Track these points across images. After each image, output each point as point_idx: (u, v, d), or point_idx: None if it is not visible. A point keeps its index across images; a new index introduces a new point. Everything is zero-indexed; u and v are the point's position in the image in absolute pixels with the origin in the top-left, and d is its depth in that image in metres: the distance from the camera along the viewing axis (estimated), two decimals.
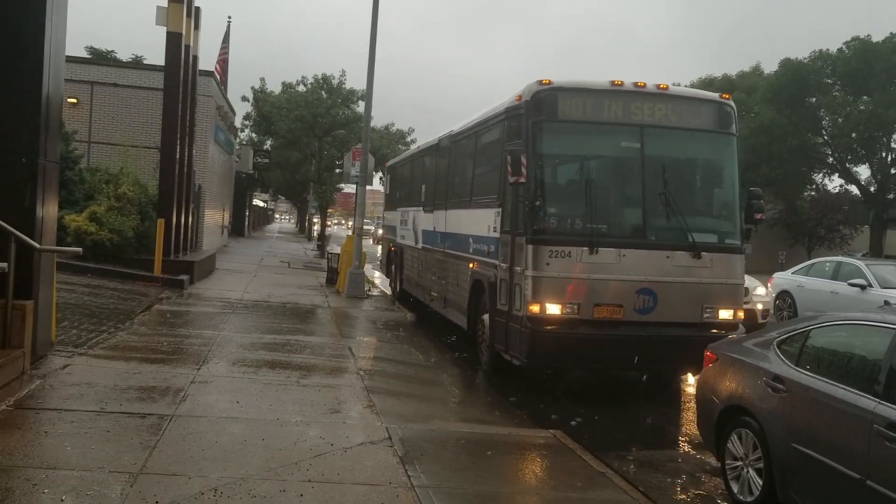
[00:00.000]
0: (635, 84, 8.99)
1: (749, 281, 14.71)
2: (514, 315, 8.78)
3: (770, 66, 41.98)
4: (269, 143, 41.46)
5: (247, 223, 48.42)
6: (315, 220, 48.04)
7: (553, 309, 8.44)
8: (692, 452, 7.32)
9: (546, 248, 8.43)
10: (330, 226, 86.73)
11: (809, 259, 50.31)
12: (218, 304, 13.85)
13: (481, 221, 10.22)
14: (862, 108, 37.40)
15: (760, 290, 15.06)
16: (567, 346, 8.53)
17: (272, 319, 12.68)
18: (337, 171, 34.07)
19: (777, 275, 19.30)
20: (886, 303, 13.11)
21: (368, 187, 20.32)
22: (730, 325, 8.99)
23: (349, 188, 23.12)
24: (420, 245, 14.67)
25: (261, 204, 72.77)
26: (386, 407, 7.36)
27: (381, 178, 31.95)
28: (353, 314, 14.52)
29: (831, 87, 39.99)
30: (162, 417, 6.27)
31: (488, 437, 6.94)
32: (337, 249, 20.61)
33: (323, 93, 34.61)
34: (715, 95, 9.68)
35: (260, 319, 12.54)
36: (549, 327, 8.43)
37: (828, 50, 39.18)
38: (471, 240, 10.81)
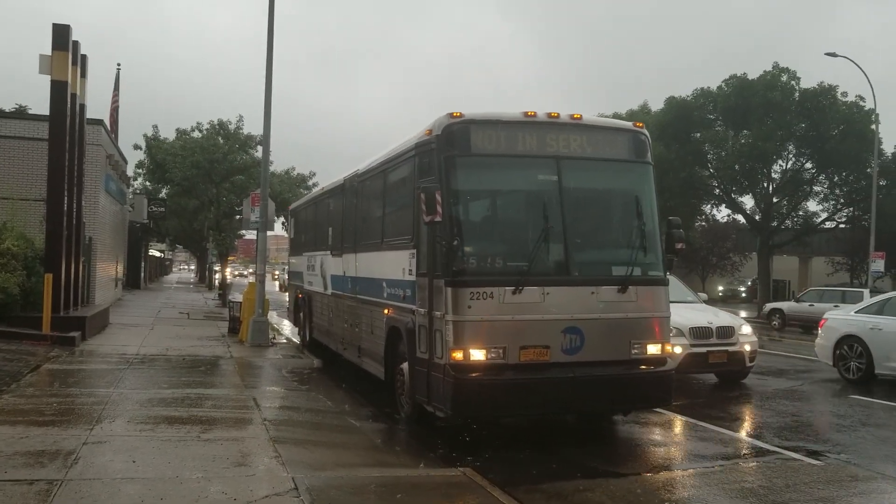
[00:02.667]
0: (549, 115, 8.55)
1: (733, 319, 13.93)
2: (436, 363, 8.12)
3: (656, 104, 43.95)
4: (164, 191, 40.27)
5: (143, 274, 46.73)
6: (216, 268, 46.85)
7: (477, 355, 7.85)
8: (599, 480, 7.38)
9: (467, 291, 7.84)
10: (245, 275, 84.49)
11: (703, 286, 52.34)
12: (112, 360, 13.24)
13: (395, 264, 9.57)
14: (742, 141, 39.54)
15: (746, 329, 13.56)
16: (494, 394, 7.94)
17: (171, 373, 12.19)
18: (237, 217, 33.42)
19: (831, 314, 15.36)
20: None
21: (272, 233, 20.00)
22: (658, 361, 8.64)
23: (251, 234, 22.68)
24: (329, 291, 14.05)
25: (157, 254, 70.46)
26: (293, 457, 7.16)
27: (283, 224, 31.50)
28: (258, 363, 14.14)
29: (713, 123, 42.14)
30: (51, 482, 5.91)
31: (398, 481, 6.84)
32: (239, 298, 20.09)
33: (220, 138, 34.01)
34: (628, 124, 9.25)
35: (158, 374, 12.05)
36: (474, 375, 7.83)
37: (709, 87, 41.36)
38: (384, 284, 10.19)
